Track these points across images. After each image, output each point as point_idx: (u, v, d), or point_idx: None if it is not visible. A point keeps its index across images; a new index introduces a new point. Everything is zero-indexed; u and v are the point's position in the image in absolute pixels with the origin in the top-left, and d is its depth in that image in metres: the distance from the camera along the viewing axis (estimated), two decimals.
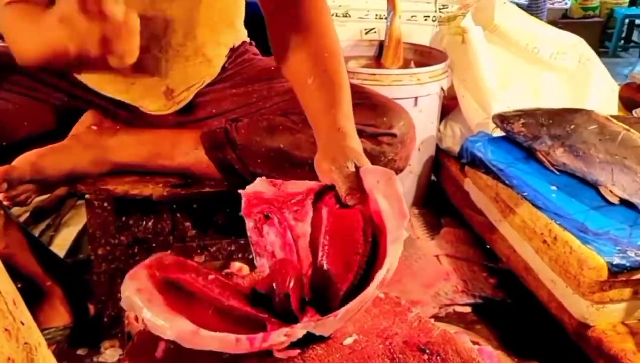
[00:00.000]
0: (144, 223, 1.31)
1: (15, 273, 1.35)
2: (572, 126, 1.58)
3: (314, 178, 1.23)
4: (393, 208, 0.82)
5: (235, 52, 1.42)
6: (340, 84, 1.06)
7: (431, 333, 0.87)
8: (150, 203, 1.28)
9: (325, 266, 0.83)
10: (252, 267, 1.09)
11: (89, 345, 1.38)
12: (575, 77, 1.99)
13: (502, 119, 1.71)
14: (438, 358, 0.82)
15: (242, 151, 1.24)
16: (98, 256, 1.31)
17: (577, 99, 1.92)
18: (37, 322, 1.31)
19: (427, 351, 0.83)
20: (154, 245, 1.33)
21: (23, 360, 0.96)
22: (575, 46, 2.03)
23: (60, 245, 1.77)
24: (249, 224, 0.93)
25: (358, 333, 0.87)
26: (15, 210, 1.79)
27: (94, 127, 1.32)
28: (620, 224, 1.37)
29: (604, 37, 5.68)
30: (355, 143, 0.97)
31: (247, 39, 1.49)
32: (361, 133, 1.20)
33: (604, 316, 1.30)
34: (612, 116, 1.63)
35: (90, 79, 1.30)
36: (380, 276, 0.77)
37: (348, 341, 0.85)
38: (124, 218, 1.30)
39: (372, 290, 0.77)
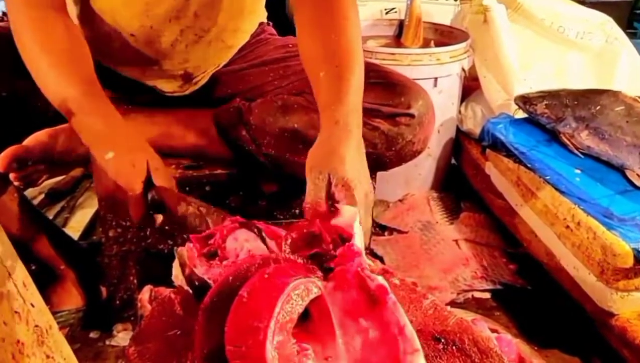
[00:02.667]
0: None
1: (28, 256, 1.35)
2: (598, 108, 1.53)
3: None
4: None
5: (252, 34, 1.40)
6: (349, 79, 1.01)
7: (447, 322, 0.83)
8: None
9: None
10: None
11: (102, 328, 1.38)
12: (602, 58, 1.93)
13: (524, 101, 1.66)
14: (454, 347, 0.79)
15: (256, 131, 1.21)
16: (109, 239, 1.29)
17: (604, 81, 1.85)
18: (49, 305, 1.31)
19: (443, 340, 0.80)
20: (166, 227, 1.30)
21: (33, 342, 0.95)
22: (603, 25, 1.95)
23: (75, 227, 1.77)
24: None
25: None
26: (29, 192, 1.79)
27: None
28: None
29: (633, 17, 5.53)
30: (350, 145, 0.93)
31: (265, 20, 1.46)
32: (378, 113, 1.18)
33: (629, 305, 1.25)
34: None
35: (108, 60, 1.28)
36: None
37: None
38: None
39: None
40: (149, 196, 0.93)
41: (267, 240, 0.85)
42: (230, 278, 0.76)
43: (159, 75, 1.30)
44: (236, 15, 1.31)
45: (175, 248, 0.87)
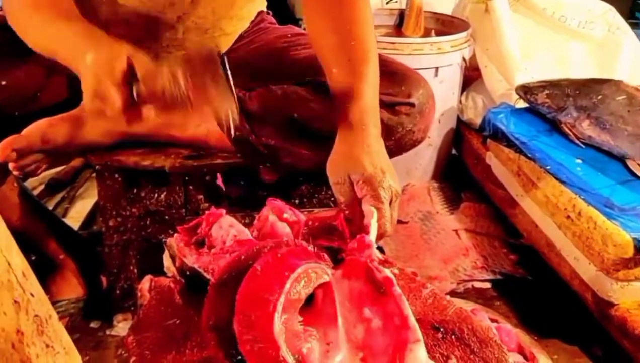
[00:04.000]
0: (156, 195, 1.28)
1: (28, 246, 1.35)
2: (600, 97, 1.52)
3: (327, 149, 1.20)
4: None
5: (252, 22, 1.39)
6: (363, 73, 1.03)
7: (446, 311, 0.83)
8: (162, 175, 1.26)
9: None
10: None
11: (102, 317, 1.38)
12: (603, 47, 1.92)
13: (525, 90, 1.65)
14: (453, 336, 0.79)
15: (255, 121, 1.21)
16: (109, 228, 1.29)
17: (606, 70, 1.84)
18: (50, 295, 1.31)
19: (442, 329, 0.80)
20: (166, 217, 1.30)
21: (33, 332, 0.94)
22: (605, 14, 1.94)
23: (75, 217, 1.77)
24: None
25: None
26: (30, 182, 1.79)
27: None
28: None
29: (635, 7, 5.50)
30: (367, 143, 0.97)
31: (265, 9, 1.45)
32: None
33: (629, 295, 1.25)
34: None
35: None
36: None
37: None
38: (135, 190, 1.28)
39: None
40: (134, 89, 0.88)
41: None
42: (242, 256, 0.76)
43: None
44: (234, 3, 1.30)
45: (163, 240, 0.87)
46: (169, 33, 1.24)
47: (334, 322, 0.73)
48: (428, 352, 0.76)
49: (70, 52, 0.95)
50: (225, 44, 1.34)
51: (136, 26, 1.21)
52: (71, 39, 0.96)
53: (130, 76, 0.88)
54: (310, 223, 0.89)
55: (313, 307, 0.75)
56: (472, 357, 0.76)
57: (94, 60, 0.89)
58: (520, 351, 1.05)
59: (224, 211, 0.89)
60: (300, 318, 0.71)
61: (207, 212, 0.95)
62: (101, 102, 0.88)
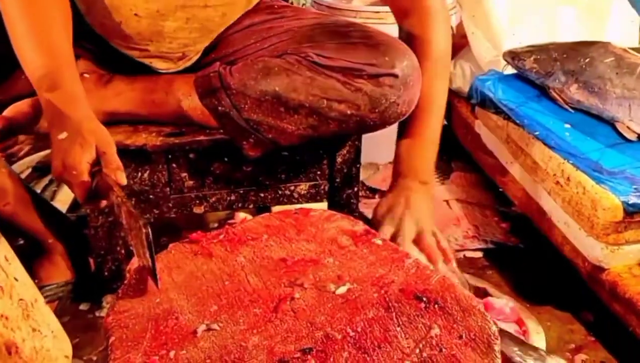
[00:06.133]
0: (139, 174, 1.27)
1: (16, 230, 1.34)
2: (587, 60, 1.49)
3: (310, 123, 1.18)
4: None
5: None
6: (428, 110, 1.22)
7: (429, 280, 0.83)
8: (144, 154, 1.24)
9: None
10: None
11: (92, 300, 1.37)
12: (593, 10, 1.88)
13: (513, 56, 1.62)
14: (436, 306, 0.78)
15: (237, 95, 1.19)
16: (93, 210, 1.28)
17: (595, 34, 1.81)
18: (37, 279, 1.30)
19: (425, 299, 0.79)
20: (150, 196, 1.29)
21: (18, 316, 0.94)
22: None
23: (63, 200, 1.75)
24: None
25: (352, 282, 0.83)
26: (17, 166, 1.77)
27: (87, 75, 1.27)
28: (638, 161, 1.30)
29: None
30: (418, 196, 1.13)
31: None
32: (361, 73, 1.15)
33: (620, 259, 1.24)
34: (631, 48, 1.54)
35: (103, 32, 1.26)
36: None
37: (341, 290, 0.82)
38: None
39: None
40: (94, 181, 0.93)
41: None
42: None
43: (156, 55, 1.27)
44: (245, 6, 1.30)
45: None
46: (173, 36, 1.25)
47: None
48: (410, 322, 0.76)
49: (47, 113, 1.01)
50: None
51: (144, 34, 1.23)
52: (54, 96, 1.00)
53: (93, 168, 0.95)
54: None
55: None
56: (455, 325, 0.75)
57: (67, 142, 0.95)
58: (520, 323, 1.06)
59: None
60: None
61: None
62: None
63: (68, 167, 0.94)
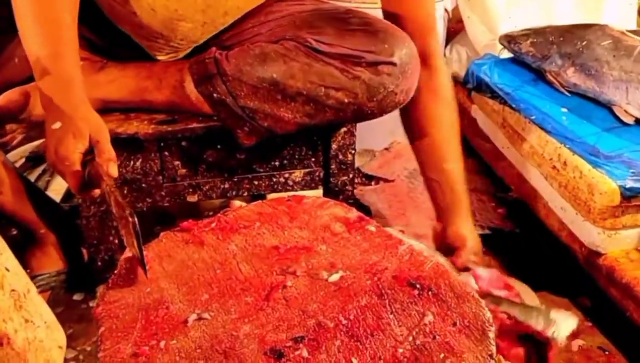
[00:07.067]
0: (131, 163, 1.25)
1: (9, 220, 1.33)
2: (584, 43, 1.48)
3: (307, 111, 1.17)
4: None
5: None
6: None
7: (423, 267, 0.81)
8: (136, 142, 1.23)
9: None
10: None
11: (86, 289, 1.36)
12: None
13: (509, 40, 1.61)
14: (429, 292, 0.77)
15: (233, 82, 1.17)
16: (86, 199, 1.26)
17: (592, 17, 1.80)
18: (30, 269, 1.29)
19: (418, 286, 0.78)
20: (143, 185, 1.28)
21: (10, 307, 0.93)
22: None
23: (57, 190, 1.74)
24: None
25: (345, 269, 0.82)
26: (11, 156, 1.76)
27: (80, 63, 1.26)
28: (635, 145, 1.30)
29: None
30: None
31: None
32: (360, 61, 1.14)
33: (616, 243, 1.24)
34: (628, 31, 1.52)
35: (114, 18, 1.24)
36: None
37: (334, 277, 0.81)
38: None
39: None
40: (86, 171, 0.91)
41: None
42: None
43: (163, 48, 1.26)
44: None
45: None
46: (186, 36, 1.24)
47: None
48: (404, 310, 0.75)
49: (44, 101, 0.98)
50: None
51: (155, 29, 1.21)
52: (51, 84, 0.98)
53: (85, 157, 0.93)
54: None
55: None
56: (449, 312, 0.74)
57: (60, 131, 0.93)
58: (508, 288, 1.03)
59: None
60: None
61: None
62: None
63: (61, 157, 0.92)
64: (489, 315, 0.74)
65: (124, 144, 1.22)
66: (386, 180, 1.77)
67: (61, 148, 0.92)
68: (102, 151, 0.93)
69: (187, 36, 1.23)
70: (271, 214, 0.94)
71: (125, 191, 1.27)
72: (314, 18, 1.22)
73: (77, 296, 1.35)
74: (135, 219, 0.78)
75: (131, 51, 1.27)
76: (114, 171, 0.93)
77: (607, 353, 1.18)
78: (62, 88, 0.97)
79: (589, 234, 1.25)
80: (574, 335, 1.22)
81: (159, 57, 1.28)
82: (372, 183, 1.78)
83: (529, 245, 1.50)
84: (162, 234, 0.93)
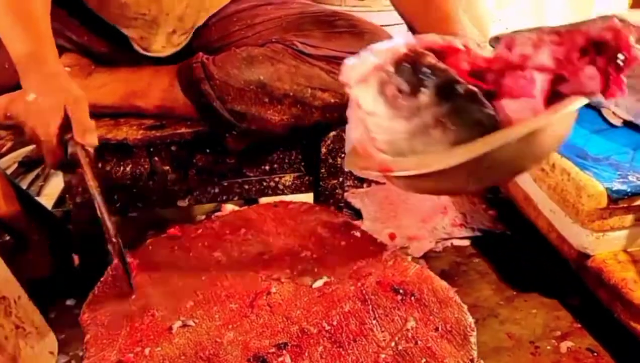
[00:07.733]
0: (121, 168, 1.26)
1: (1, 226, 1.33)
2: None
3: (294, 113, 1.17)
4: None
5: None
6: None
7: (406, 272, 0.82)
8: (126, 148, 1.23)
9: None
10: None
11: (78, 295, 1.36)
12: None
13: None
14: (412, 298, 0.78)
15: (220, 85, 1.18)
16: (77, 205, 1.26)
17: (583, 15, 1.80)
18: (21, 274, 1.29)
19: (401, 291, 0.79)
20: (133, 190, 1.28)
21: (0, 314, 0.93)
22: None
23: (49, 194, 1.74)
24: None
25: (329, 275, 0.83)
26: (3, 162, 1.76)
27: (68, 69, 1.26)
28: (623, 148, 1.30)
29: None
30: None
31: None
32: None
33: (605, 245, 1.24)
34: None
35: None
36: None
37: (318, 284, 0.81)
38: (100, 164, 1.25)
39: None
40: (69, 151, 0.89)
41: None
42: None
43: (148, 27, 1.26)
44: None
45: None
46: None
47: None
48: (387, 315, 0.75)
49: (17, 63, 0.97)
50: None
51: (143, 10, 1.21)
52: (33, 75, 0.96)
53: (64, 131, 0.90)
54: None
55: None
56: (431, 317, 0.75)
57: (34, 103, 0.92)
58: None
59: None
60: None
61: None
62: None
63: (37, 130, 0.90)
64: (470, 319, 0.74)
65: (113, 150, 1.23)
66: (377, 182, 1.77)
67: (37, 120, 0.91)
68: (77, 122, 0.91)
69: (173, 8, 1.22)
70: (257, 220, 0.95)
71: (115, 197, 1.28)
72: (300, 21, 1.23)
73: (69, 302, 1.35)
74: (120, 241, 0.79)
75: (122, 53, 1.28)
76: (92, 140, 0.91)
77: (595, 354, 1.18)
78: (36, 61, 0.97)
79: (578, 236, 1.26)
80: (562, 337, 1.23)
81: (146, 48, 1.27)
82: (364, 185, 1.78)
83: (519, 247, 1.50)
84: (148, 241, 0.93)
